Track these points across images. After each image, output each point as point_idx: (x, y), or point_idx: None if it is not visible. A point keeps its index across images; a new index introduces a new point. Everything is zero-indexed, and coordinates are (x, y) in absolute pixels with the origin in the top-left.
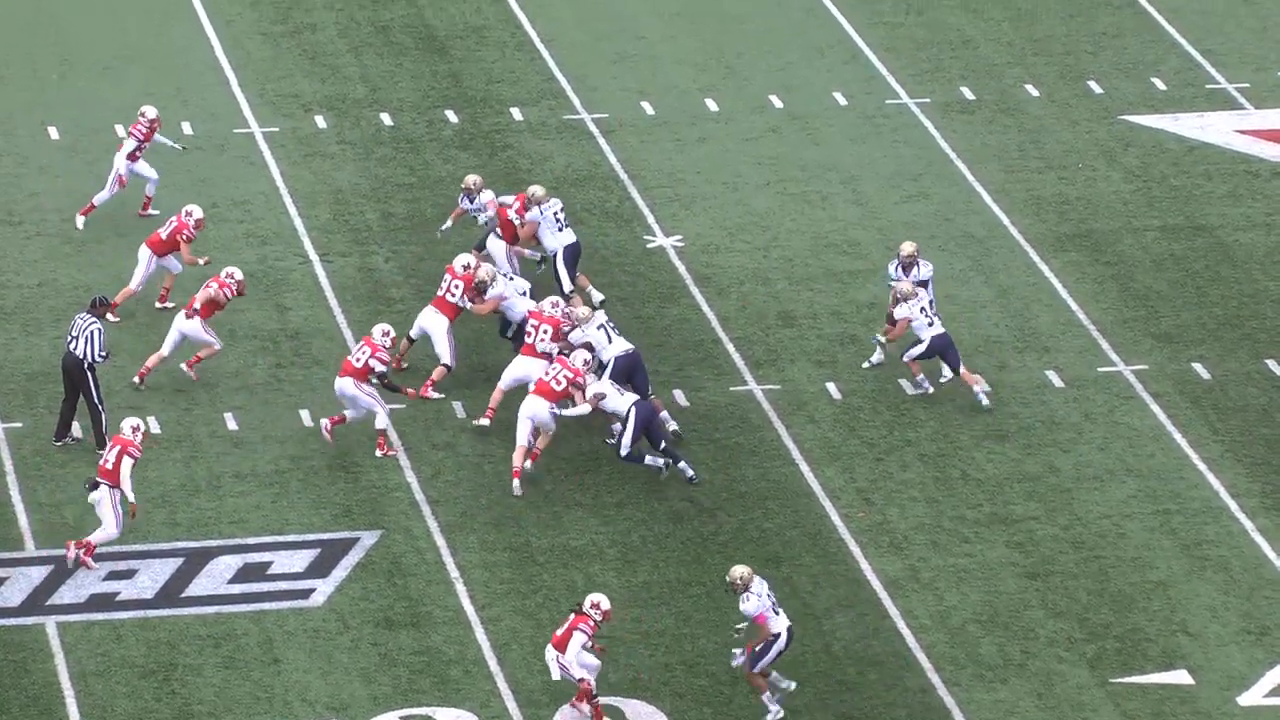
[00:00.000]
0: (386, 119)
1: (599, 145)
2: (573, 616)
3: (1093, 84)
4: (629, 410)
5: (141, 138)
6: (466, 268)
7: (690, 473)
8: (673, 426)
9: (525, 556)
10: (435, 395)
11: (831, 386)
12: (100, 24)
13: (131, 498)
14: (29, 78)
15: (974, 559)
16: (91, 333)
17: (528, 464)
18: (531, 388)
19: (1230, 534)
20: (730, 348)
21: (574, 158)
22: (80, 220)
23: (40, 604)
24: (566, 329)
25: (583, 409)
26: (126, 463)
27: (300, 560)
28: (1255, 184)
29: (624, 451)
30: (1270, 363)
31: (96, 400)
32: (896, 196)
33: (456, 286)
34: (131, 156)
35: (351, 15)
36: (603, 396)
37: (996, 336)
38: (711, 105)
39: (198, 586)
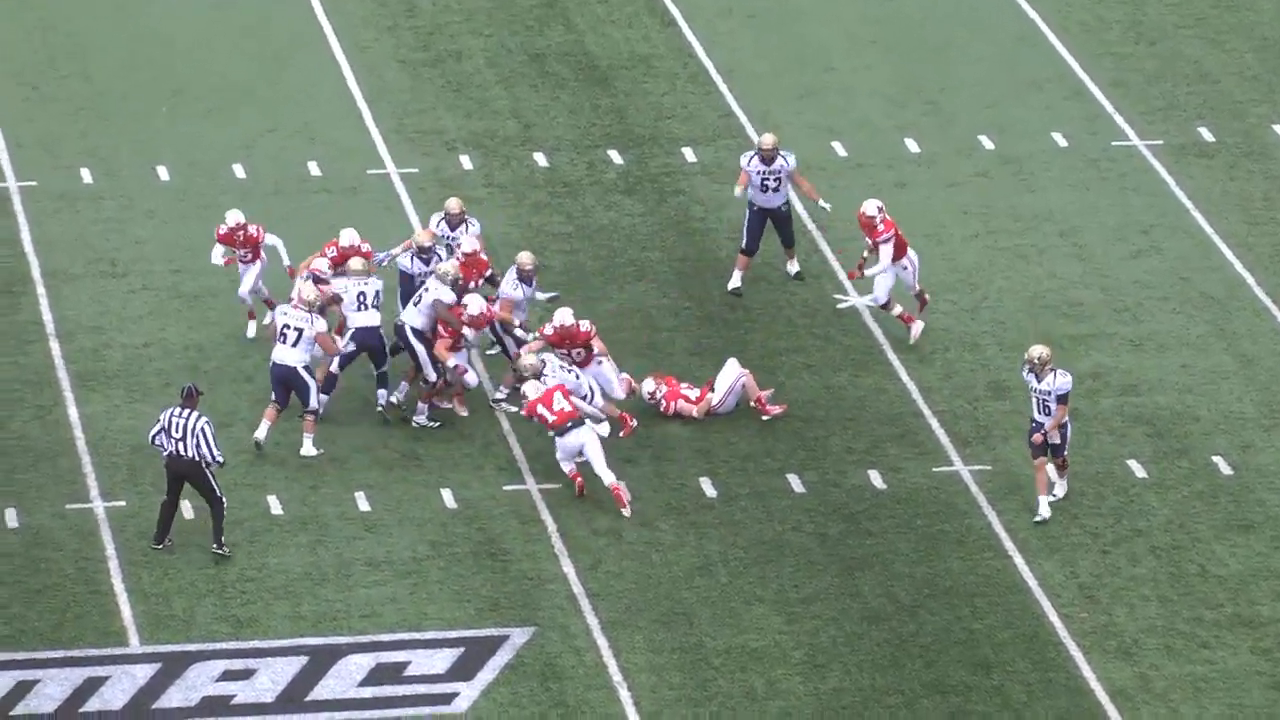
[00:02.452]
0: (541, 159)
1: None
2: None
3: None
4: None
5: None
6: None
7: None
8: None
9: (698, 659)
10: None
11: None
12: (216, 50)
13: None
14: (136, 111)
15: (1214, 666)
16: (201, 430)
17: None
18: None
19: None
20: (934, 422)
21: None
22: None
23: (145, 708)
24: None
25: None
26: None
27: (441, 660)
28: None
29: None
30: None
31: (219, 494)
32: (1124, 251)
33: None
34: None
35: (502, 42)
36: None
37: (1239, 412)
38: (912, 146)
39: (324, 689)
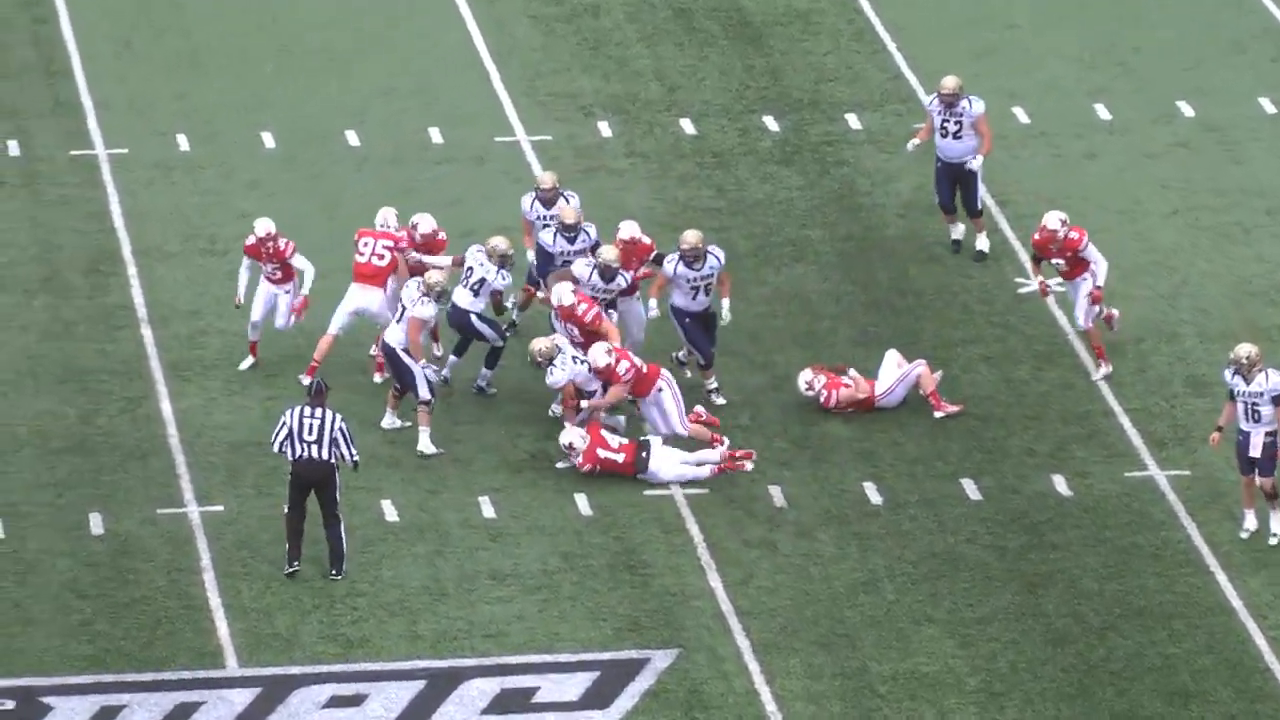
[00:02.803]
0: (688, 126)
1: None
2: None
3: None
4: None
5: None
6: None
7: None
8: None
9: (862, 685)
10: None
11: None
12: (327, 2)
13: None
14: (238, 70)
15: None
16: (341, 430)
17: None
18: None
19: None
20: (1126, 422)
21: (926, 176)
22: None
23: None
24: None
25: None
26: None
27: (574, 686)
28: None
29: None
30: None
31: (339, 510)
32: None
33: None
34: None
35: None
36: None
37: None
38: (1102, 112)
39: (443, 717)
